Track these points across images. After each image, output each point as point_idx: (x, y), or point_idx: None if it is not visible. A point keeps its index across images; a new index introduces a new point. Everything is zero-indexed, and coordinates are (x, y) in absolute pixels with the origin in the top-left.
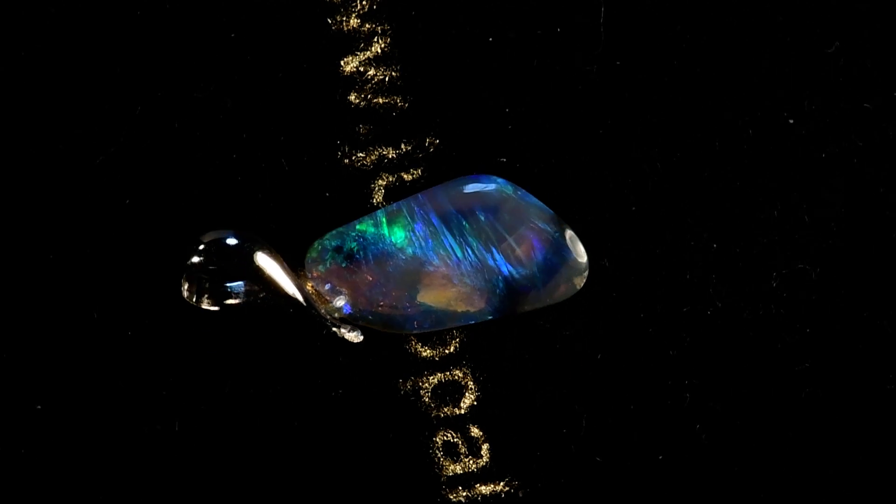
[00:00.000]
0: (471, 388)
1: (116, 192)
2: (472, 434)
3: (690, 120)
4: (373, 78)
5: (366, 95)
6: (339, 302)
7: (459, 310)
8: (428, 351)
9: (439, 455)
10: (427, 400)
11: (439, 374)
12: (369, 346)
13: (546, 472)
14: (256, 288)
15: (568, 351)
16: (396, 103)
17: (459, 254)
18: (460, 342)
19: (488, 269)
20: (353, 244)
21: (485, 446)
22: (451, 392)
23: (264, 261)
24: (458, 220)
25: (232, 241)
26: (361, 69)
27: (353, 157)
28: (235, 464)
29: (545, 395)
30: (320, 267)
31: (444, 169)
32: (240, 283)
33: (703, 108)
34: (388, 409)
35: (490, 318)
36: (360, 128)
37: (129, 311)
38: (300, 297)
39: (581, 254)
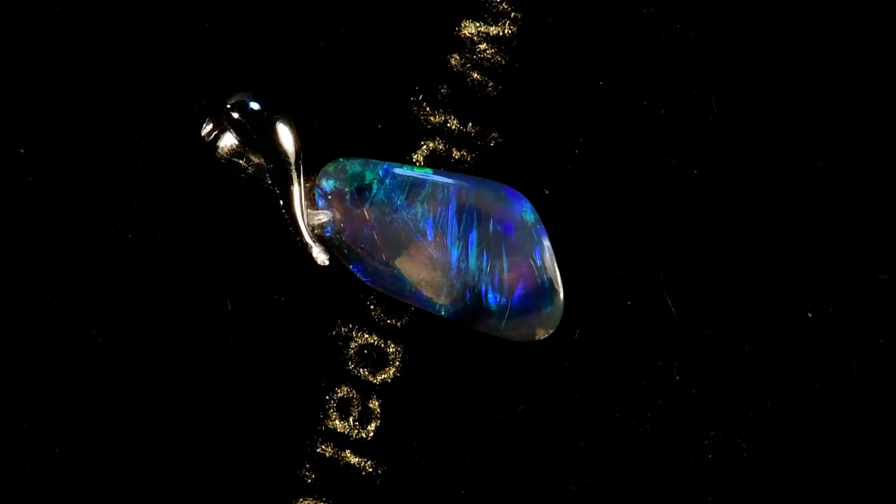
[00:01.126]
0: (394, 366)
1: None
2: (371, 406)
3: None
4: (481, 52)
5: (465, 63)
6: (324, 218)
7: (424, 293)
8: (379, 312)
9: (332, 405)
10: (351, 352)
11: (375, 338)
12: (328, 280)
13: (419, 473)
14: (266, 161)
15: (504, 382)
16: (487, 85)
17: (455, 247)
18: (412, 322)
19: (469, 275)
20: (374, 181)
21: (374, 423)
22: (376, 359)
23: (286, 138)
24: (471, 217)
25: (265, 106)
26: (476, 39)
27: (421, 110)
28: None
29: (458, 407)
30: (330, 182)
31: (491, 168)
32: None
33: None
34: (311, 342)
35: (445, 316)
36: (442, 87)
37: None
38: (295, 191)
39: (558, 310)
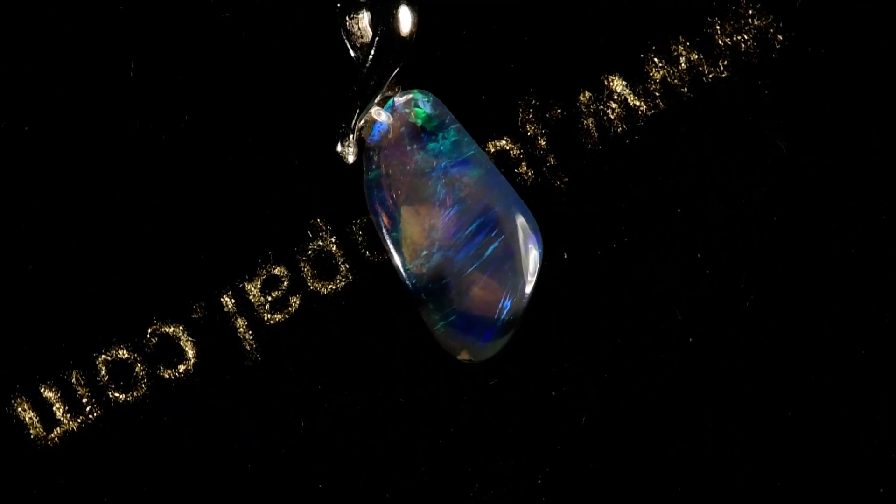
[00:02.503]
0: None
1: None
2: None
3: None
4: (622, 105)
5: (592, 103)
6: (383, 119)
7: (404, 252)
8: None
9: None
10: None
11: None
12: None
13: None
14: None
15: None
16: (624, 131)
17: (457, 237)
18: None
19: (448, 265)
20: (440, 135)
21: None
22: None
23: (405, 20)
24: (489, 226)
25: None
26: (617, 95)
27: (526, 113)
28: None
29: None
30: (398, 103)
31: (536, 198)
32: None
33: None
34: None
35: (402, 280)
36: (556, 108)
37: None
38: (380, 81)
39: (492, 350)
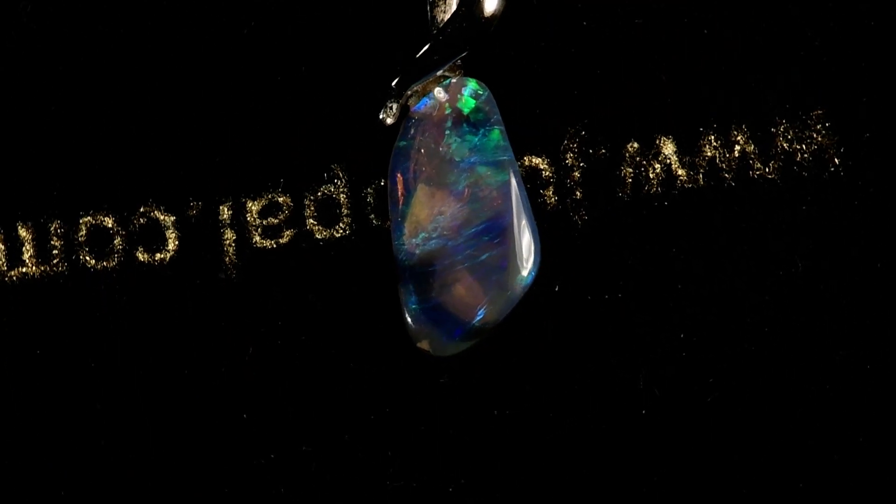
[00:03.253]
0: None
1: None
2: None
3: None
4: (665, 168)
5: (637, 158)
6: (436, 94)
7: (405, 227)
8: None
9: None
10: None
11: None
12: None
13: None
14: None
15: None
16: (657, 193)
17: (461, 231)
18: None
19: (443, 253)
20: (478, 119)
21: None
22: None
23: (490, 3)
24: (494, 233)
25: None
26: (674, 164)
27: (570, 142)
28: None
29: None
30: (453, 84)
31: (549, 223)
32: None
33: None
34: None
35: (393, 252)
36: (602, 150)
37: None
38: (447, 54)
39: (452, 350)
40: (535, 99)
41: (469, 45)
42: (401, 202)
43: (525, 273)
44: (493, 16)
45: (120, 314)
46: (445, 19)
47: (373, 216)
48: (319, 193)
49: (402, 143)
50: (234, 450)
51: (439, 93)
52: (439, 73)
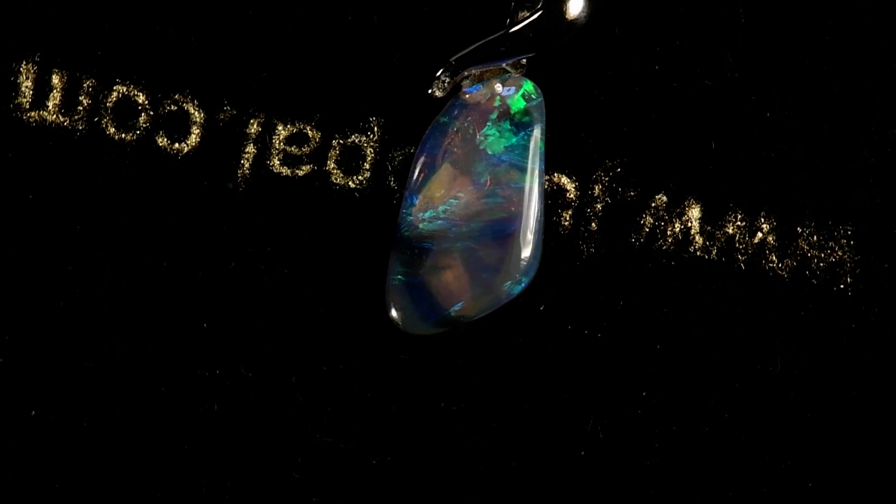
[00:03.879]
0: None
1: None
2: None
3: None
4: (684, 230)
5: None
6: (495, 86)
7: (417, 200)
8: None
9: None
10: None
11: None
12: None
13: None
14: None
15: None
16: (668, 250)
17: (471, 219)
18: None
19: (443, 237)
20: (521, 121)
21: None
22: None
23: (574, 6)
24: (496, 235)
25: None
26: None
27: (602, 174)
28: None
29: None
30: (510, 90)
31: (556, 244)
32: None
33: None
34: None
35: (398, 222)
36: (631, 192)
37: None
38: (515, 51)
39: (420, 330)
40: (585, 121)
41: (541, 47)
42: (421, 175)
43: (514, 282)
44: (573, 22)
45: (120, 190)
46: (528, 10)
47: (392, 179)
48: (349, 140)
49: (443, 120)
50: (192, 363)
51: (496, 84)
52: (502, 65)
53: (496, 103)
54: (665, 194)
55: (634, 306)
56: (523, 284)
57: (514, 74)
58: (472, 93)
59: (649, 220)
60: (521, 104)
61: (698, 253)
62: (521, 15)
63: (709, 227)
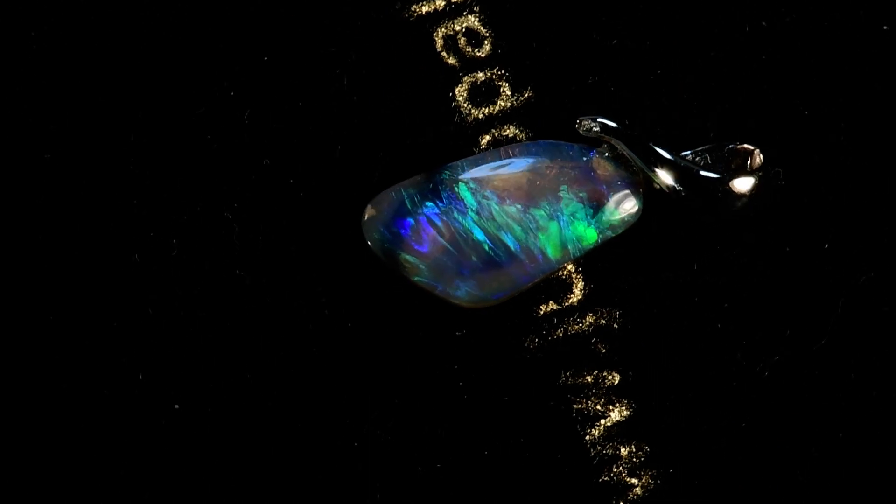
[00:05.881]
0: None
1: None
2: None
3: None
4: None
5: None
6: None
7: (476, 173)
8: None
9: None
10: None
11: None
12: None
13: None
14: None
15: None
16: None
17: (505, 231)
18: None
19: (480, 214)
20: (602, 221)
21: None
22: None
23: (742, 185)
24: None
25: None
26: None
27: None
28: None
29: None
30: (629, 182)
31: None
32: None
33: None
34: None
35: (450, 165)
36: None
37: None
38: (660, 162)
39: (375, 247)
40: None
41: (686, 193)
42: (501, 156)
43: (455, 289)
44: (738, 198)
45: None
46: (707, 163)
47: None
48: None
49: (552, 143)
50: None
51: (620, 178)
52: (640, 167)
53: (600, 186)
54: None
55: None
56: (462, 294)
57: (636, 179)
58: (592, 155)
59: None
60: (615, 214)
61: None
62: (705, 156)
63: None
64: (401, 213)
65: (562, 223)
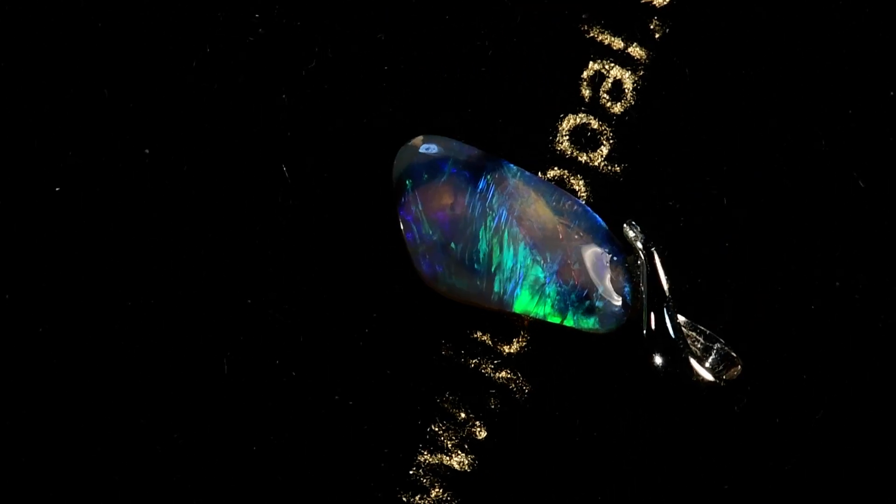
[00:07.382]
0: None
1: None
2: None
3: None
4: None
5: None
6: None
7: (541, 219)
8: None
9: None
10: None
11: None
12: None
13: None
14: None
15: None
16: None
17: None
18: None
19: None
20: (580, 313)
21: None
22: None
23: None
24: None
25: None
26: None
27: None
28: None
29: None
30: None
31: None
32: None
33: None
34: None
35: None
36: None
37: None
38: (668, 323)
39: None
40: None
41: (656, 347)
42: (555, 195)
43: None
44: (697, 378)
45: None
46: (709, 349)
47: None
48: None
49: (601, 224)
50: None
51: (620, 292)
52: (643, 299)
53: (600, 289)
54: None
55: None
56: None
57: (619, 313)
58: (618, 265)
59: None
60: (590, 321)
61: None
62: (708, 335)
63: None
64: (437, 165)
65: (546, 285)
